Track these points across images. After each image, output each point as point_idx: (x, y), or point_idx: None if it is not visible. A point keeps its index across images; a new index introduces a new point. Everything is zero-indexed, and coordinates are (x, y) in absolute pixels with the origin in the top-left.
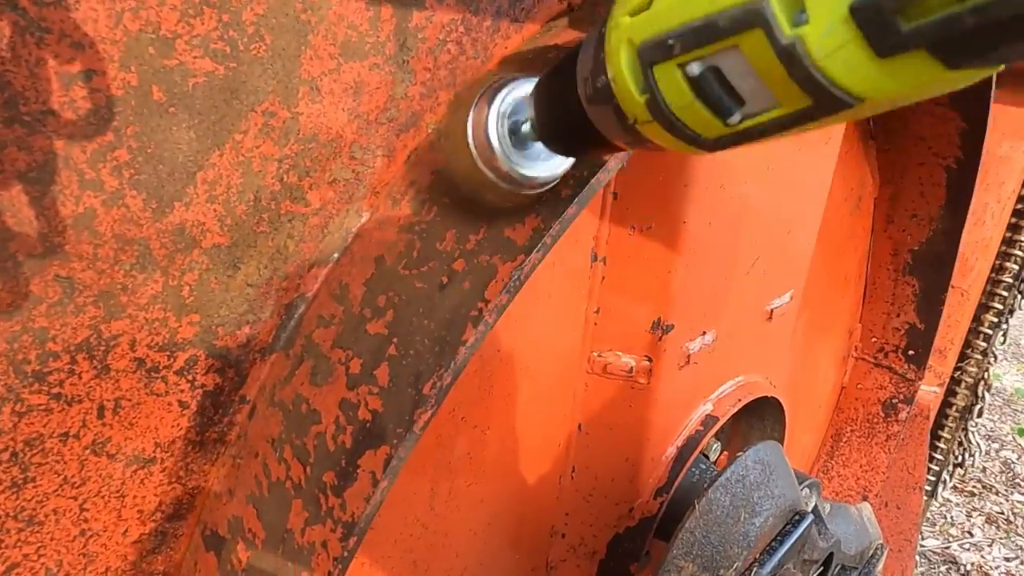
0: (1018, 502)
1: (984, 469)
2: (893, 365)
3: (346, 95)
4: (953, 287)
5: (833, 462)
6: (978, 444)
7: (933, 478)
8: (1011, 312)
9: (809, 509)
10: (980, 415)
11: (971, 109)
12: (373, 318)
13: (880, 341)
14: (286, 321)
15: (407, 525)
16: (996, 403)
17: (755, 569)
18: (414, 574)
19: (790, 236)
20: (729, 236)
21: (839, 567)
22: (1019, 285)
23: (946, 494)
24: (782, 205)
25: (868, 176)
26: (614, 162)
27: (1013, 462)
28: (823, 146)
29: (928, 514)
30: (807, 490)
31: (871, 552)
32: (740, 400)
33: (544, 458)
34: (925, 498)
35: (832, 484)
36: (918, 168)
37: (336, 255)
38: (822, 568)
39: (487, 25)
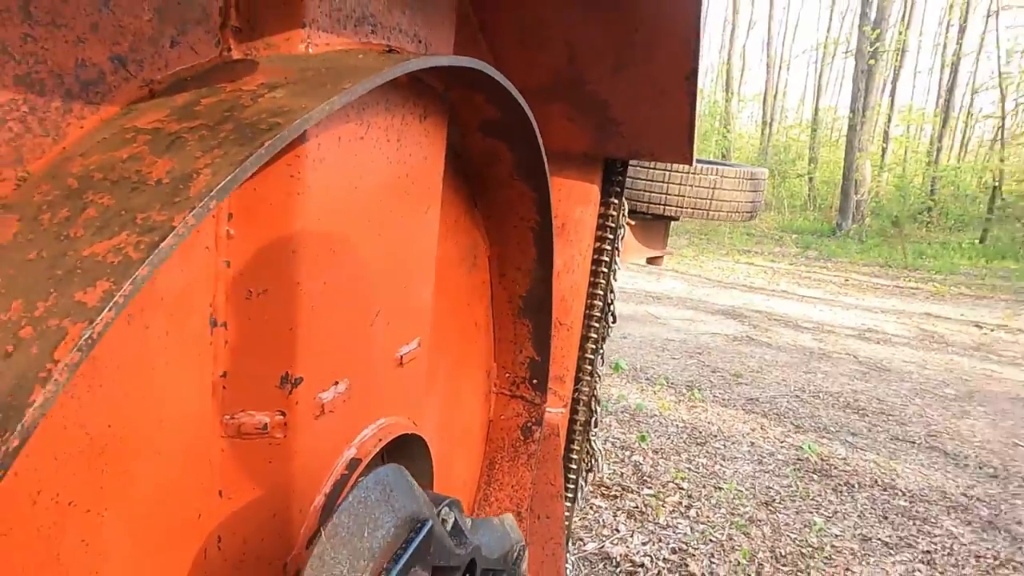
0: (648, 495)
1: (622, 474)
2: (524, 394)
3: None
4: (560, 323)
5: (490, 488)
6: (602, 451)
7: (572, 486)
8: (604, 339)
9: (443, 520)
10: (596, 425)
11: (537, 183)
12: None
13: (511, 375)
14: None
15: None
16: (624, 417)
17: None
18: None
19: (408, 290)
20: (347, 293)
21: (484, 571)
22: (605, 318)
23: (596, 501)
24: (396, 264)
25: (479, 239)
26: (183, 228)
27: (641, 463)
28: (424, 214)
29: (586, 521)
30: (447, 508)
31: (515, 553)
32: (381, 440)
33: (183, 533)
34: (568, 504)
35: (492, 508)
36: (513, 230)
37: None
38: (467, 575)
39: (56, 105)
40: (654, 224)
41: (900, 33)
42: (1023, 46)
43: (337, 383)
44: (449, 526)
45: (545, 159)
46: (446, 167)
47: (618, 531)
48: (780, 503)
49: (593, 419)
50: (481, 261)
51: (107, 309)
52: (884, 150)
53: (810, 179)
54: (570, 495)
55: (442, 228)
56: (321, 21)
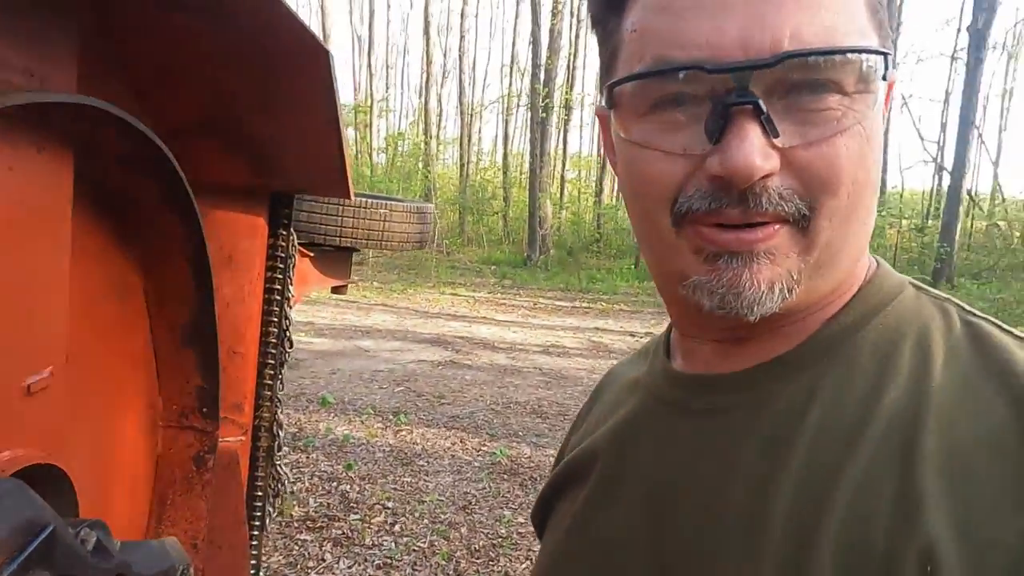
0: (354, 520)
1: (328, 505)
2: (195, 424)
3: None
4: (234, 352)
5: (162, 527)
6: (287, 474)
7: (259, 513)
8: (282, 365)
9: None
10: (280, 450)
11: (186, 214)
12: None
13: (180, 407)
14: None
15: None
16: (331, 450)
17: None
18: None
19: (32, 318)
20: None
21: None
22: (282, 344)
23: (301, 535)
24: (12, 292)
25: (131, 269)
26: None
27: (348, 491)
28: (49, 242)
29: (291, 557)
30: (87, 529)
31: (178, 571)
32: (3, 471)
33: None
34: (256, 532)
35: None
36: (168, 261)
37: None
38: None
39: None
40: (336, 255)
41: (565, 92)
42: None
43: None
44: (91, 545)
45: (190, 192)
46: (88, 198)
47: (324, 560)
48: (476, 504)
49: (276, 443)
50: (134, 292)
51: None
52: (561, 191)
53: (504, 216)
54: (257, 522)
55: (86, 258)
56: None
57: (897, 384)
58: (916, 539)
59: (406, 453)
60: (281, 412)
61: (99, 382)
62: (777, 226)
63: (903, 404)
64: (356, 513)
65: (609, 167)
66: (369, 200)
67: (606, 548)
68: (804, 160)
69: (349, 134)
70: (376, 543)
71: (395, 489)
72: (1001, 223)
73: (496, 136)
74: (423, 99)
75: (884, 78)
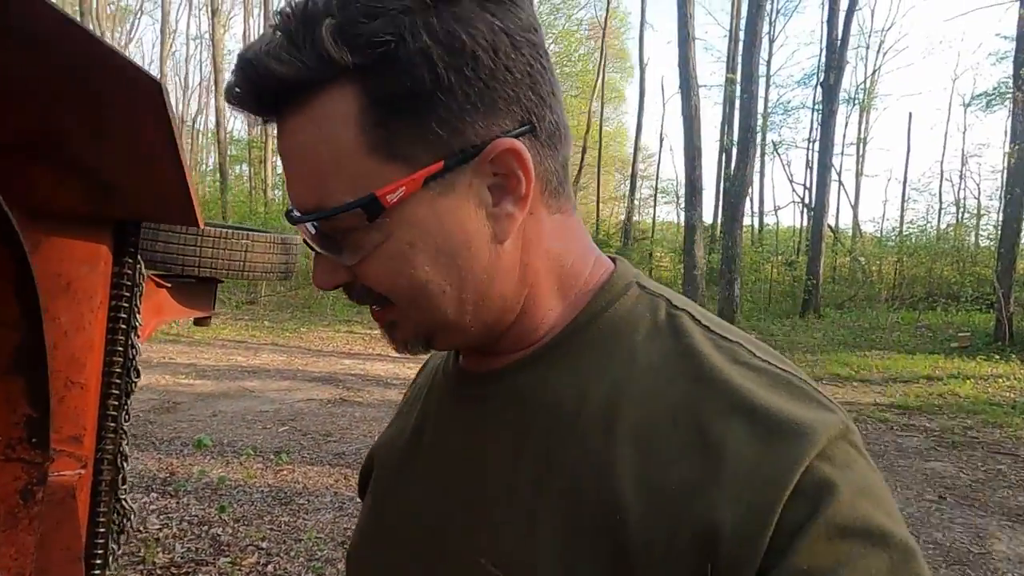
0: (224, 563)
1: (197, 550)
2: (23, 456)
3: None
4: (73, 383)
5: None
6: (132, 509)
7: (102, 551)
8: (128, 395)
9: None
10: (124, 483)
11: (7, 239)
12: None
13: (6, 438)
14: None
15: None
16: (205, 493)
17: None
18: None
19: None
20: None
21: None
22: (128, 374)
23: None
24: None
25: None
26: None
27: (219, 534)
28: None
29: None
30: None
31: None
32: None
33: None
34: (98, 572)
35: None
36: None
37: None
38: None
39: None
40: (197, 286)
41: None
42: None
43: None
44: None
45: (9, 214)
46: None
47: None
48: None
49: (120, 476)
50: None
51: None
52: None
53: None
54: (99, 560)
55: None
56: None
57: (612, 369)
58: (608, 495)
59: (286, 492)
60: (126, 444)
61: None
62: (385, 308)
63: (615, 386)
64: (226, 556)
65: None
66: (228, 231)
67: (403, 521)
68: (360, 273)
69: (242, 170)
70: None
71: (271, 529)
72: (860, 258)
73: None
74: None
75: (381, 208)
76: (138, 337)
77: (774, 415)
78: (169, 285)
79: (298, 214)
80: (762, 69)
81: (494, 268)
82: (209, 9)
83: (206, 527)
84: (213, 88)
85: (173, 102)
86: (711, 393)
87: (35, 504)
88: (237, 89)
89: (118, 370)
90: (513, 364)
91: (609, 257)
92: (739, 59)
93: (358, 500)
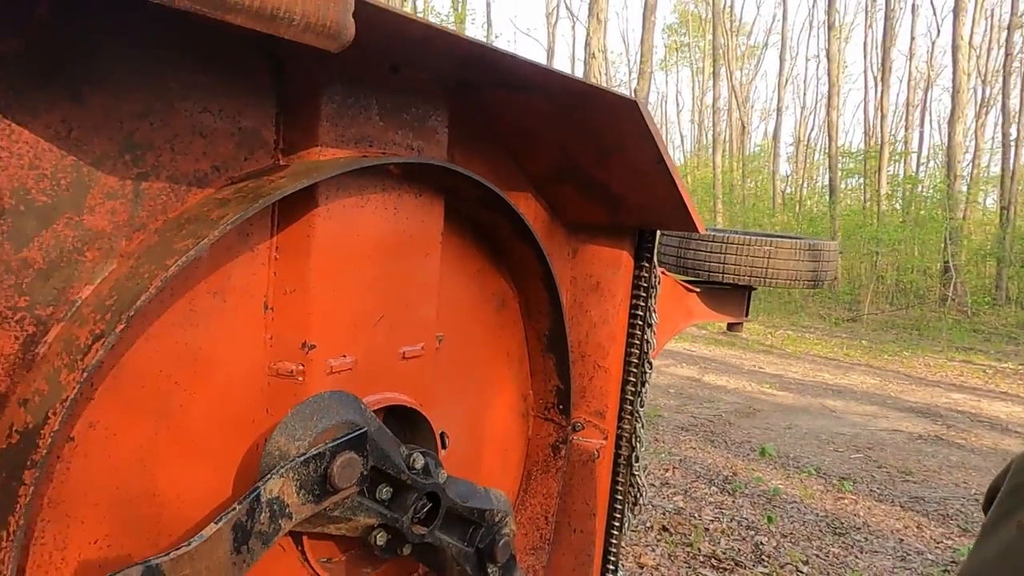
0: (760, 572)
1: (739, 550)
2: (553, 418)
3: None
4: (598, 366)
5: (526, 495)
6: (644, 485)
7: (619, 516)
8: (643, 384)
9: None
10: (638, 460)
11: (531, 243)
12: None
13: (544, 401)
14: None
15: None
16: (759, 500)
17: (316, 450)
18: None
19: (410, 308)
20: (353, 301)
21: (456, 516)
22: (643, 365)
23: (704, 571)
24: (397, 289)
25: (505, 284)
26: (211, 239)
27: (763, 543)
28: (423, 258)
29: None
30: (418, 454)
31: (496, 516)
32: (379, 403)
33: (244, 433)
34: (616, 532)
35: (527, 511)
36: (528, 279)
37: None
38: (430, 504)
39: (183, 188)
40: (730, 292)
41: None
42: None
43: (345, 356)
44: (418, 464)
45: (530, 225)
46: (465, 227)
47: None
48: None
49: (634, 455)
50: (510, 303)
51: (182, 260)
52: None
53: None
54: (616, 523)
55: (467, 273)
56: (329, 141)
57: None
58: None
59: (842, 522)
60: (641, 427)
61: (479, 367)
62: None
63: None
64: (765, 566)
65: None
66: (749, 237)
67: None
68: None
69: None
70: None
71: (816, 555)
72: None
73: None
74: (947, 134)
75: None
76: (653, 333)
77: None
78: (698, 290)
79: None
80: None
81: None
82: (826, 26)
83: (752, 532)
84: (825, 103)
85: (790, 123)
86: None
87: (560, 458)
88: None
89: (635, 360)
90: None
91: None
92: None
93: (928, 557)
